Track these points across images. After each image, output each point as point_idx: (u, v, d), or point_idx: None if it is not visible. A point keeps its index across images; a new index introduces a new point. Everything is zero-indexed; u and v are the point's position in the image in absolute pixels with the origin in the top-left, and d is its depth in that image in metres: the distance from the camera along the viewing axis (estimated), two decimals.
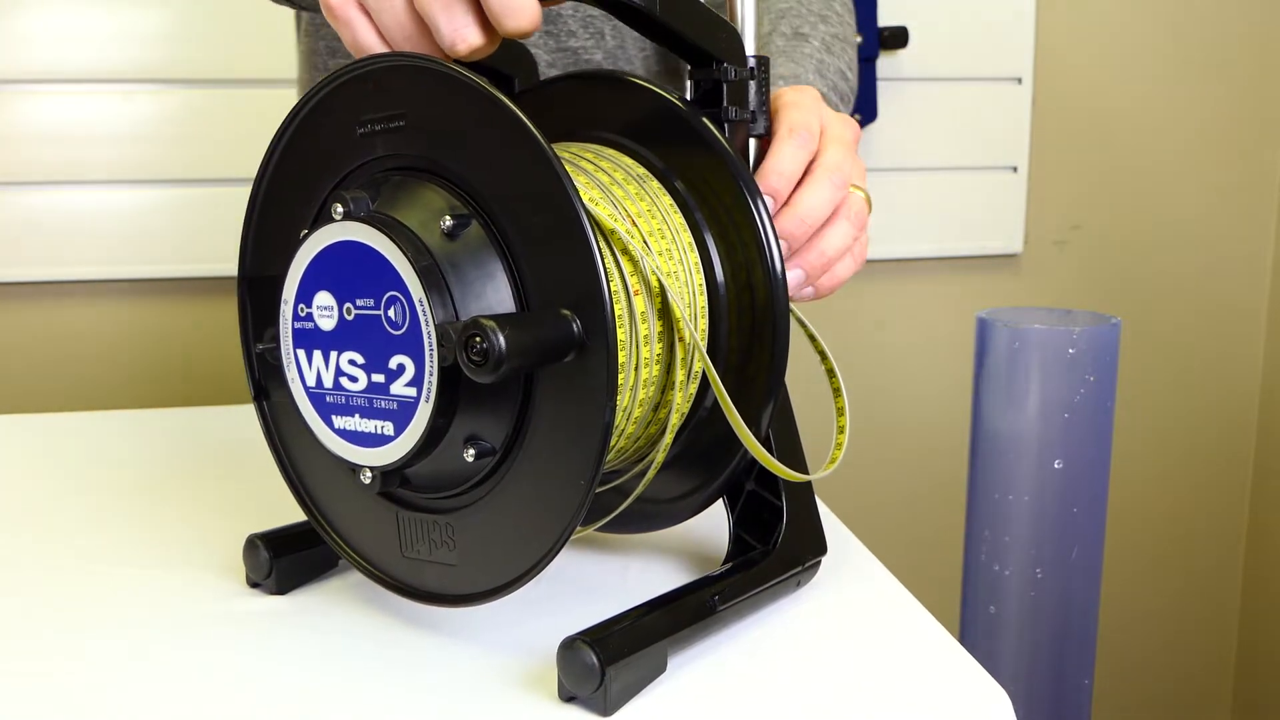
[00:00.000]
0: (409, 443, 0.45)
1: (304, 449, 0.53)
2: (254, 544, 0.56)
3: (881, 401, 1.71)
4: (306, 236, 0.47)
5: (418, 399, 0.44)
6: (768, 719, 0.44)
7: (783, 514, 0.54)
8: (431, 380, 0.44)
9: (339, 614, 0.54)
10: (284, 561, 0.56)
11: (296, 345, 0.49)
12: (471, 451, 0.45)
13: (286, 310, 0.48)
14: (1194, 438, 1.82)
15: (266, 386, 0.54)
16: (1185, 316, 1.78)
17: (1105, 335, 0.69)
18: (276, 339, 0.49)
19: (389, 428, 0.46)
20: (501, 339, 0.40)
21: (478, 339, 0.40)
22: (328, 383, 0.48)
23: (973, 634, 0.76)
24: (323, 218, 0.47)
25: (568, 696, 0.45)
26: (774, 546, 0.54)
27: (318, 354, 0.48)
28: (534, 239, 0.44)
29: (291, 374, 0.49)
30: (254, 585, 0.56)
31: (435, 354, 0.43)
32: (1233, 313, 1.79)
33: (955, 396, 1.46)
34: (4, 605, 0.55)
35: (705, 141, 0.52)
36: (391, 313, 0.45)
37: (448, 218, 0.45)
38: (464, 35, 0.45)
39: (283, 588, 0.56)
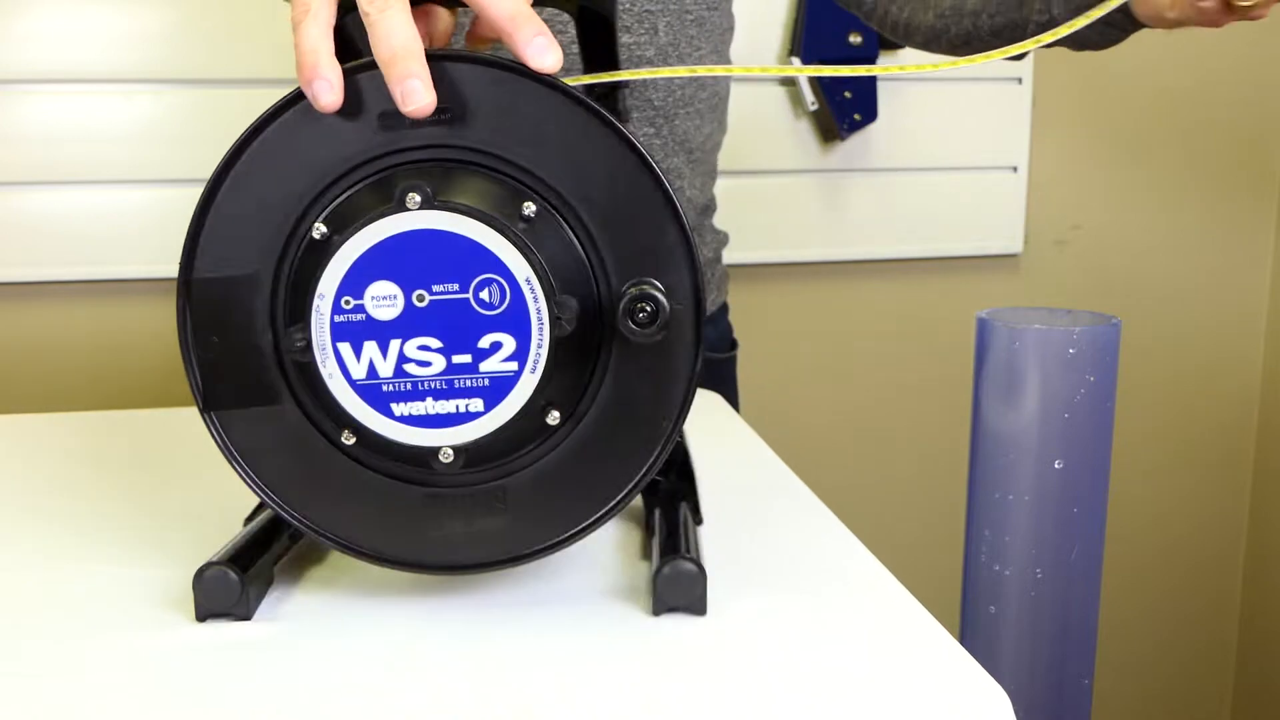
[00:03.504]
0: (505, 414, 0.48)
1: (287, 456, 0.51)
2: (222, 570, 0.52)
3: (882, 401, 1.70)
4: (353, 229, 0.47)
5: (519, 372, 0.48)
6: (768, 719, 0.44)
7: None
8: (540, 352, 0.48)
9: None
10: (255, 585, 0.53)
11: (337, 339, 0.48)
12: (555, 414, 0.49)
13: (323, 305, 0.48)
14: (1194, 438, 1.82)
15: (219, 394, 0.51)
16: (1185, 316, 1.77)
17: (1105, 335, 0.69)
18: (307, 336, 0.48)
19: (477, 404, 0.48)
20: (668, 301, 0.47)
21: (648, 304, 0.47)
22: (385, 372, 0.48)
23: (973, 634, 0.76)
24: (350, 208, 0.48)
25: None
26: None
27: (370, 345, 0.48)
28: (612, 222, 0.49)
29: (329, 369, 0.48)
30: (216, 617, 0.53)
31: (548, 327, 0.47)
32: (1233, 313, 1.79)
33: (955, 396, 1.45)
34: None
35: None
36: (485, 294, 0.47)
37: (529, 204, 0.48)
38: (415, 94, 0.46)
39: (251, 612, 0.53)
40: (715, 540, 0.62)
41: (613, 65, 0.56)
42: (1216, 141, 1.73)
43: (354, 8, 0.48)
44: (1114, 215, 1.73)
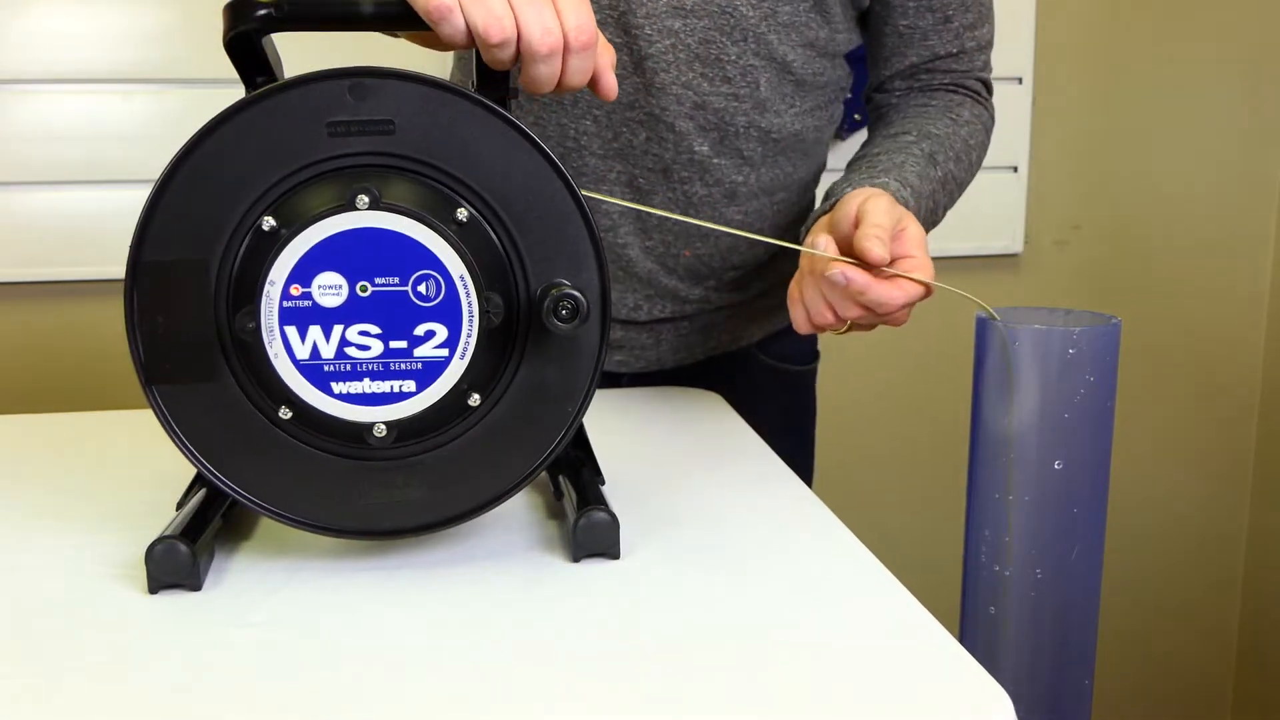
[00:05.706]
0: (434, 395, 0.54)
1: (225, 429, 0.55)
2: (172, 544, 0.55)
3: (882, 401, 1.70)
4: (305, 223, 0.51)
5: (449, 358, 0.53)
6: (769, 718, 0.44)
7: None
8: (469, 341, 0.53)
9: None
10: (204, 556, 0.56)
11: (285, 323, 0.52)
12: (476, 396, 0.55)
13: (273, 291, 0.52)
14: (1194, 438, 1.82)
15: (161, 369, 0.55)
16: (1185, 316, 1.77)
17: (1105, 335, 0.69)
18: (256, 318, 0.52)
19: (410, 385, 0.54)
20: (585, 298, 0.53)
21: (569, 301, 0.52)
22: (327, 354, 0.53)
23: (973, 634, 0.76)
24: (300, 205, 0.52)
25: None
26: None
27: (315, 329, 0.53)
28: (532, 226, 0.55)
29: (275, 350, 0.53)
30: (165, 588, 0.55)
31: (477, 319, 0.53)
32: (1233, 313, 1.79)
33: (955, 396, 1.45)
34: None
35: None
36: (422, 288, 0.53)
37: (462, 210, 0.53)
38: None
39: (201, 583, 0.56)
40: (714, 540, 0.62)
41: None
42: (1215, 140, 1.73)
43: (268, 30, 0.54)
44: (1114, 215, 1.73)
